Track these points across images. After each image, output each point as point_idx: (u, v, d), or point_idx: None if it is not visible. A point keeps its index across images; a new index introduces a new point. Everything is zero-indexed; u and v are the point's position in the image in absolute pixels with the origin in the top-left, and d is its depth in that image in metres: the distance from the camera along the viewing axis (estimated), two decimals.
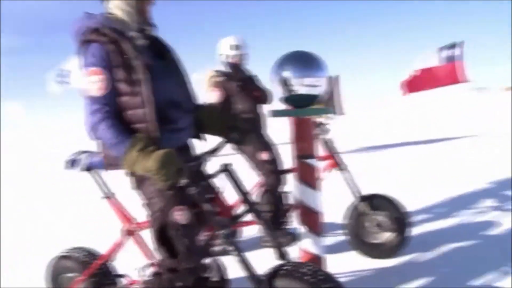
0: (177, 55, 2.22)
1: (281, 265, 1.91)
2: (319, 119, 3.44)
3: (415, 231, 3.75)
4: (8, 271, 3.61)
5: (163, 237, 1.98)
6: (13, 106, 19.22)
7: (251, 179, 3.60)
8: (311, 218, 2.44)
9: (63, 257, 2.65)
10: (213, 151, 2.11)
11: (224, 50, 3.77)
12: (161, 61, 2.11)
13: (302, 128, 2.41)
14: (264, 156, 3.51)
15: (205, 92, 3.66)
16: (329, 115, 3.32)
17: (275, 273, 1.89)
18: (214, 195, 2.15)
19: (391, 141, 11.20)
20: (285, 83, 2.32)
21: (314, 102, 2.40)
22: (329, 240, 3.73)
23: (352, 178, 3.31)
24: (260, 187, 3.58)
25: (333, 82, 10.54)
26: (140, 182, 2.06)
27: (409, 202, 4.67)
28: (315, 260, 2.43)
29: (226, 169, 2.14)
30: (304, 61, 2.35)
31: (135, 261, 2.35)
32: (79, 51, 2.01)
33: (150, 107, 1.92)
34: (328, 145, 3.37)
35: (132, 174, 2.05)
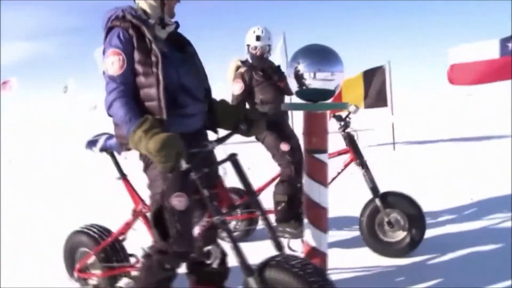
0: (196, 51, 2.31)
1: (273, 257, 1.95)
2: (341, 113, 3.41)
3: (435, 231, 3.65)
4: (8, 271, 3.61)
5: (159, 219, 2.04)
6: (70, 82, 19.91)
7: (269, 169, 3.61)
8: (316, 213, 2.42)
9: (79, 232, 2.77)
10: (221, 140, 2.17)
11: (248, 40, 3.75)
12: (179, 53, 2.22)
13: (315, 122, 2.38)
14: (284, 147, 3.48)
15: (229, 83, 3.67)
16: (350, 108, 3.28)
17: (266, 264, 1.92)
18: (216, 183, 2.19)
19: (437, 136, 10.86)
20: (299, 76, 2.29)
21: (328, 97, 2.36)
22: (343, 234, 3.72)
23: (371, 173, 3.26)
24: (278, 177, 3.58)
25: (380, 71, 10.20)
26: (146, 164, 2.14)
27: (436, 201, 4.56)
28: (318, 255, 2.42)
29: (231, 159, 2.17)
30: (318, 55, 2.31)
31: (146, 242, 2.42)
32: (105, 38, 2.13)
33: (161, 86, 2.00)
34: (349, 139, 3.33)
35: (141, 155, 2.12)
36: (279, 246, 2.10)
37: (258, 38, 3.68)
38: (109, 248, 2.62)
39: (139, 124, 1.87)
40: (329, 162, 3.46)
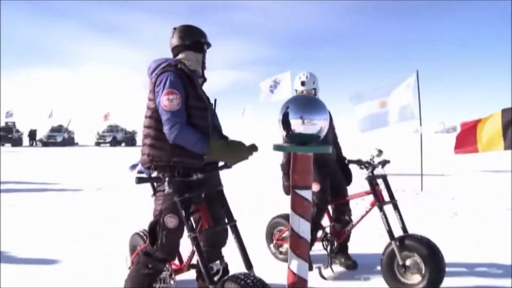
0: None
1: (236, 274, 2.42)
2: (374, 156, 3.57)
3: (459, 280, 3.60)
4: (8, 270, 3.98)
5: (154, 229, 2.63)
6: (248, 107, 22.81)
7: None
8: (297, 243, 2.69)
9: (136, 234, 3.56)
10: (204, 171, 2.64)
11: (295, 85, 4.08)
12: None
13: (300, 162, 2.67)
14: (315, 187, 3.70)
15: None
16: (373, 152, 3.43)
17: (227, 278, 2.41)
18: (199, 206, 2.69)
19: None
20: (286, 121, 2.64)
21: (312, 140, 2.65)
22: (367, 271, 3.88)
23: (399, 216, 3.37)
24: None
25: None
26: (156, 186, 2.76)
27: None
28: (299, 282, 2.68)
29: (217, 190, 2.69)
30: (303, 104, 2.62)
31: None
32: (158, 79, 2.68)
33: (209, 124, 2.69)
34: (369, 182, 3.48)
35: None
36: (248, 264, 2.56)
37: (303, 83, 3.99)
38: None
39: (213, 140, 2.58)
40: (360, 200, 3.67)
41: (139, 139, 39.13)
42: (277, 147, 2.81)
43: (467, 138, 9.21)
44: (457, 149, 9.47)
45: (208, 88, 2.97)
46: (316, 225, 3.82)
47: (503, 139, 8.56)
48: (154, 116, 2.68)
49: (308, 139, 2.65)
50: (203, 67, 2.86)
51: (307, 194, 2.68)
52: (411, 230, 3.92)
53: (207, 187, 2.70)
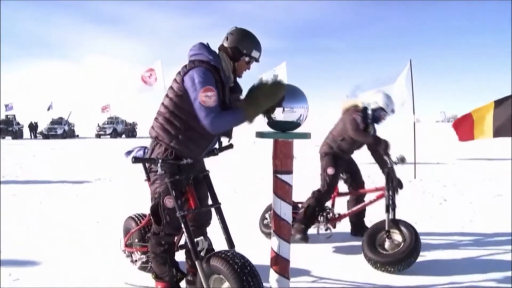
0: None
1: (221, 251, 2.62)
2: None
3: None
4: (7, 268, 3.93)
5: (156, 210, 2.85)
6: None
7: None
8: (281, 225, 2.86)
9: (130, 217, 3.72)
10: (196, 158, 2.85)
11: (388, 106, 4.45)
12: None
13: (282, 148, 2.83)
14: (330, 170, 4.34)
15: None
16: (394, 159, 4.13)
17: (213, 254, 2.62)
18: (187, 188, 2.89)
19: None
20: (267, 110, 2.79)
21: (292, 127, 2.80)
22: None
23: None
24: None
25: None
26: (150, 170, 2.95)
27: None
28: (281, 261, 2.86)
29: (204, 174, 2.88)
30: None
31: None
32: (189, 67, 2.76)
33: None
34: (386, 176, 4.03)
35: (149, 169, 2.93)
36: (230, 244, 2.77)
37: (393, 111, 4.61)
38: (141, 230, 3.51)
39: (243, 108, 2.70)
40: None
41: (139, 130, 39.41)
42: (258, 134, 2.97)
43: (466, 127, 9.43)
44: (461, 139, 9.69)
45: None
46: (321, 205, 4.28)
47: (492, 127, 8.77)
48: (174, 100, 2.79)
49: (288, 126, 2.81)
50: (235, 75, 2.92)
51: (288, 178, 2.85)
52: (402, 215, 4.22)
53: (195, 171, 2.91)
